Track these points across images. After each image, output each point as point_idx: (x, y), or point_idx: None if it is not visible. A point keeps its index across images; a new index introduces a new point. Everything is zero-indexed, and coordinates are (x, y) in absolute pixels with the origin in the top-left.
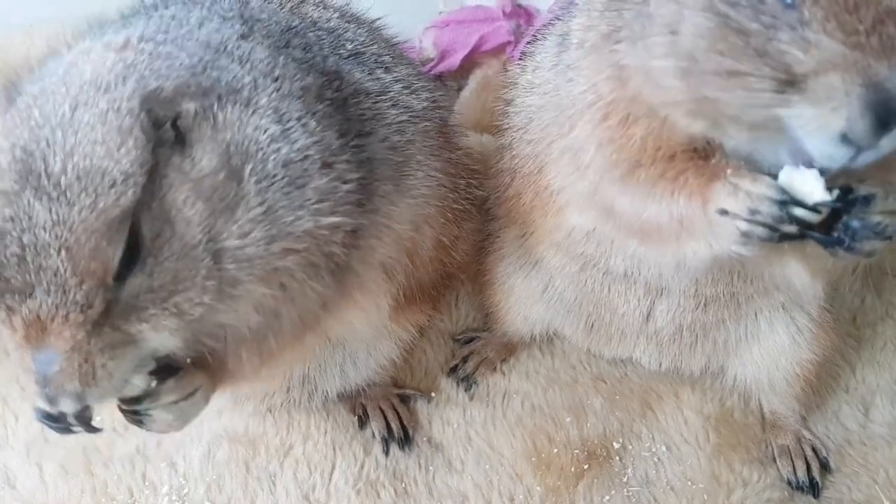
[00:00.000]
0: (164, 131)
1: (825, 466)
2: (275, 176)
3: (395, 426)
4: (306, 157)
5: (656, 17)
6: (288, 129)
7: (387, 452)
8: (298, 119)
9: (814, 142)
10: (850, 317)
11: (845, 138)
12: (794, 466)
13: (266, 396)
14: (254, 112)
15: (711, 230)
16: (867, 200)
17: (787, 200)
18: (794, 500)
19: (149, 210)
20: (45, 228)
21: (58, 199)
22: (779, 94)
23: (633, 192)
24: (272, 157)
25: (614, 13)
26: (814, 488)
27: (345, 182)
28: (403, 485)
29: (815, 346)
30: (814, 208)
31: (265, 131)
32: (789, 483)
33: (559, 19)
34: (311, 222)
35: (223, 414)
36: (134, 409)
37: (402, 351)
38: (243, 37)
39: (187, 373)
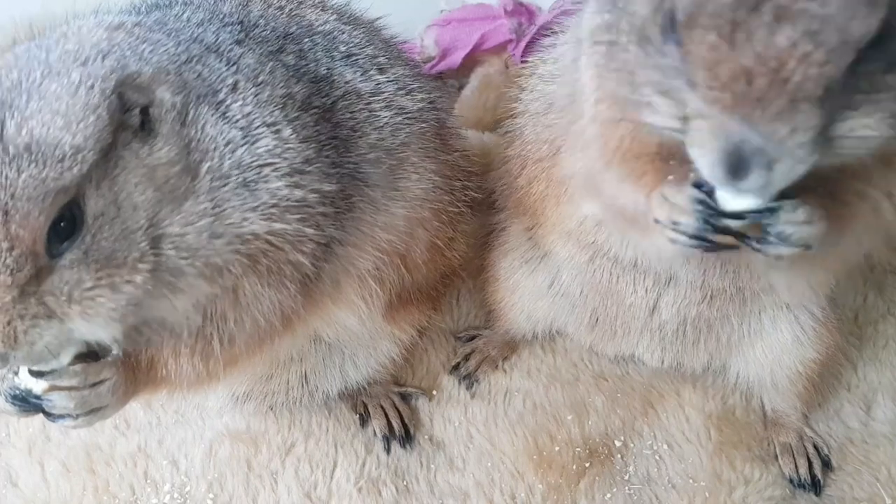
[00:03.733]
0: (132, 116)
1: (827, 464)
2: (229, 176)
3: (396, 424)
4: (267, 163)
5: (622, 26)
6: (252, 135)
7: (388, 450)
8: (270, 125)
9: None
10: (852, 315)
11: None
12: (795, 464)
13: (267, 395)
14: (222, 116)
15: (656, 234)
16: (772, 211)
17: (708, 212)
18: (796, 498)
19: (98, 188)
20: None
21: (9, 163)
22: (681, 130)
23: (611, 182)
24: (228, 158)
25: (601, 14)
26: (815, 486)
27: (313, 192)
28: (405, 483)
29: (818, 345)
30: (739, 216)
31: (225, 135)
32: (791, 481)
33: (574, 13)
34: (260, 226)
35: (225, 412)
36: (29, 390)
37: (402, 350)
38: (238, 42)
39: (102, 364)
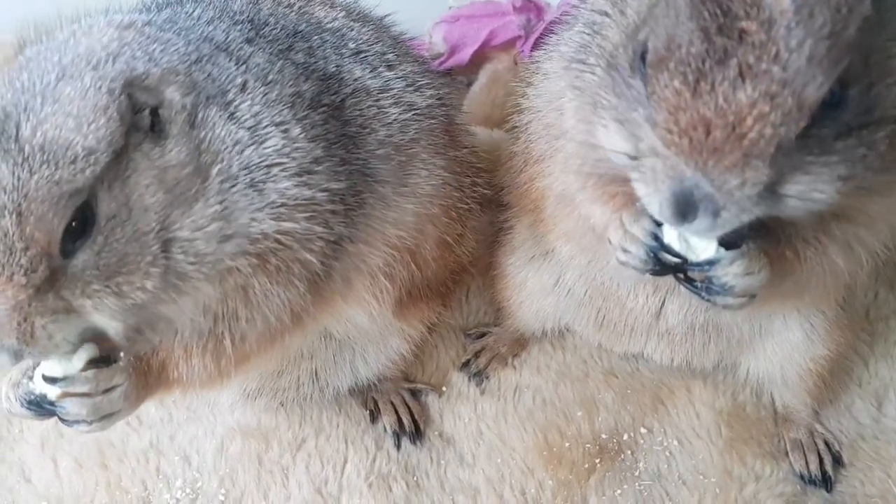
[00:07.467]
0: (142, 117)
1: (838, 460)
2: (237, 178)
3: (406, 420)
4: (275, 162)
5: (594, 49)
6: (260, 135)
7: (398, 446)
8: (279, 125)
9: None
10: (864, 311)
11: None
12: (806, 461)
13: (278, 392)
14: (230, 116)
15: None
16: (711, 263)
17: (657, 246)
18: (807, 495)
19: (109, 190)
20: (4, 190)
21: (21, 164)
22: (632, 162)
23: (584, 202)
24: (236, 160)
25: (581, 34)
26: (826, 482)
27: (322, 191)
28: (415, 478)
29: (829, 343)
30: (679, 255)
31: (234, 135)
32: (802, 477)
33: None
34: (269, 225)
35: (236, 408)
36: (44, 395)
37: (412, 346)
38: (248, 41)
39: (114, 369)
